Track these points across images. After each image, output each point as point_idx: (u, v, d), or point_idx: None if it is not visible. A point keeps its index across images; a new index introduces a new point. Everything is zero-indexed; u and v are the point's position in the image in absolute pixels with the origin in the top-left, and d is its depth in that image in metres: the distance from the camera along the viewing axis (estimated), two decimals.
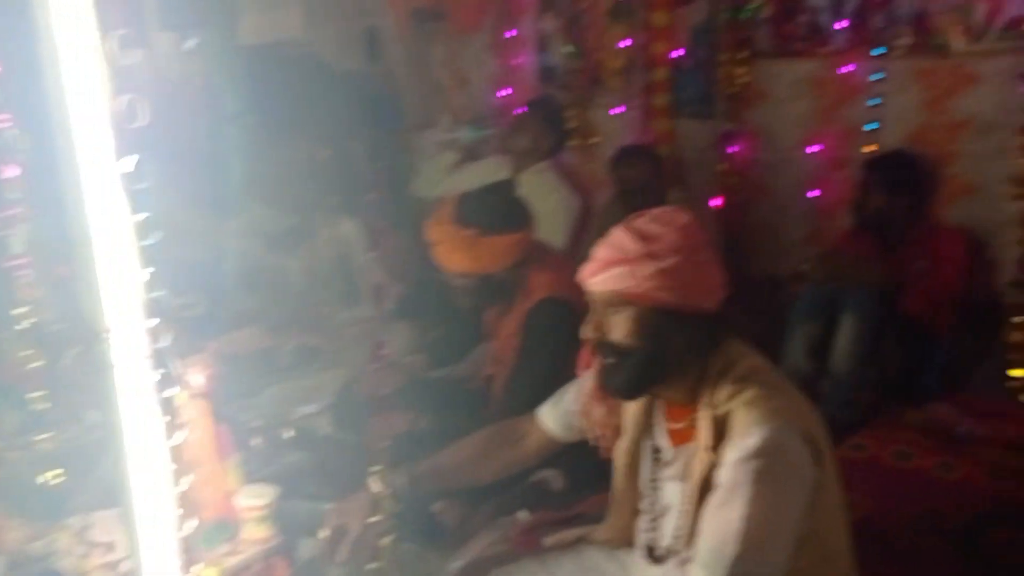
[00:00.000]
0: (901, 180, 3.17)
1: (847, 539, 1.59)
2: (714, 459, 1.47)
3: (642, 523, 1.70)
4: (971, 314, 3.25)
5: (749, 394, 1.47)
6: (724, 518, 1.42)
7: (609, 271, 1.51)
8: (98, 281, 1.24)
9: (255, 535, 1.81)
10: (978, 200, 3.31)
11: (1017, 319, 3.12)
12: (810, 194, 3.68)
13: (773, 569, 1.43)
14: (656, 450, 1.64)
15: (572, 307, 2.47)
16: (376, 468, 1.75)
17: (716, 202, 3.83)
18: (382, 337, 3.48)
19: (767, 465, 1.40)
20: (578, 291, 2.62)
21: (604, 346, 1.55)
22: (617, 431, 1.71)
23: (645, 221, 1.53)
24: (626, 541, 1.81)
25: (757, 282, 3.69)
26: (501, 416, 2.43)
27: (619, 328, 1.52)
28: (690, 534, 1.51)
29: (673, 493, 1.61)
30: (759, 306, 3.60)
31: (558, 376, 2.46)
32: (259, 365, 3.31)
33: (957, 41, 3.28)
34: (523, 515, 2.27)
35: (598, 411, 1.70)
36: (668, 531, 1.62)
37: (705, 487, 1.49)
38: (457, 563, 1.96)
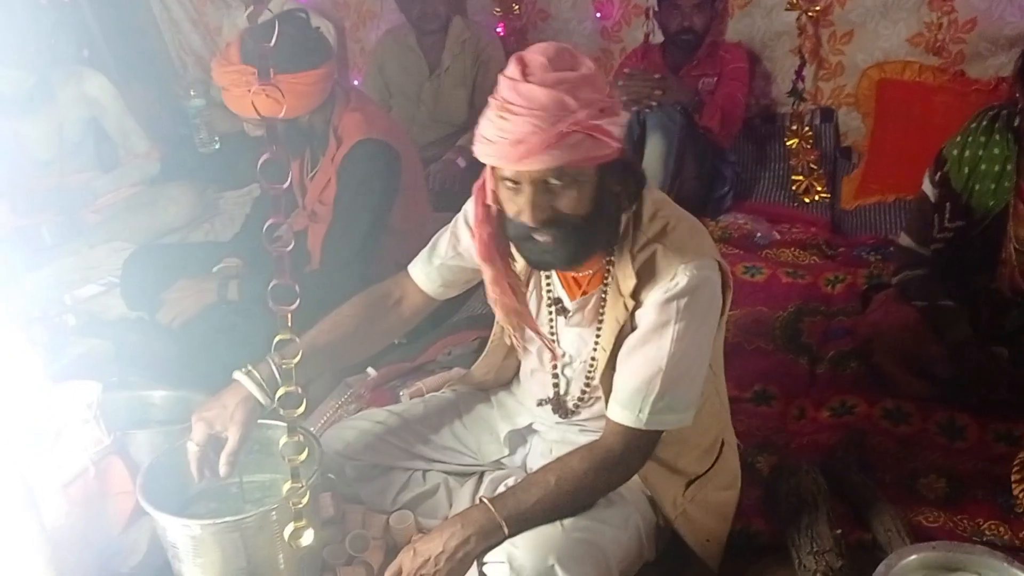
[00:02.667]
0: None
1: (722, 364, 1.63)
2: (633, 304, 1.41)
3: (542, 375, 1.62)
4: (752, 126, 3.40)
5: (668, 235, 1.41)
6: (647, 357, 1.40)
7: (548, 151, 1.26)
8: None
9: (81, 440, 1.57)
10: (751, 13, 3.38)
11: (795, 127, 3.28)
12: (595, 17, 3.60)
13: (692, 401, 1.44)
14: (556, 301, 1.54)
15: (390, 148, 2.30)
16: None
17: (498, 29, 3.66)
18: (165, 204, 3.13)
19: (693, 301, 1.39)
20: (391, 130, 2.43)
21: (545, 223, 1.34)
22: (515, 284, 1.53)
23: (540, 70, 1.28)
24: (496, 381, 1.76)
25: None
26: (325, 271, 2.26)
27: (566, 199, 1.33)
28: (606, 378, 1.45)
29: (578, 341, 1.54)
30: None
31: (381, 224, 2.32)
32: (14, 249, 2.87)
33: None
34: (370, 371, 2.15)
35: (494, 269, 1.48)
36: (577, 379, 1.57)
37: (620, 331, 1.44)
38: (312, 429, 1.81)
